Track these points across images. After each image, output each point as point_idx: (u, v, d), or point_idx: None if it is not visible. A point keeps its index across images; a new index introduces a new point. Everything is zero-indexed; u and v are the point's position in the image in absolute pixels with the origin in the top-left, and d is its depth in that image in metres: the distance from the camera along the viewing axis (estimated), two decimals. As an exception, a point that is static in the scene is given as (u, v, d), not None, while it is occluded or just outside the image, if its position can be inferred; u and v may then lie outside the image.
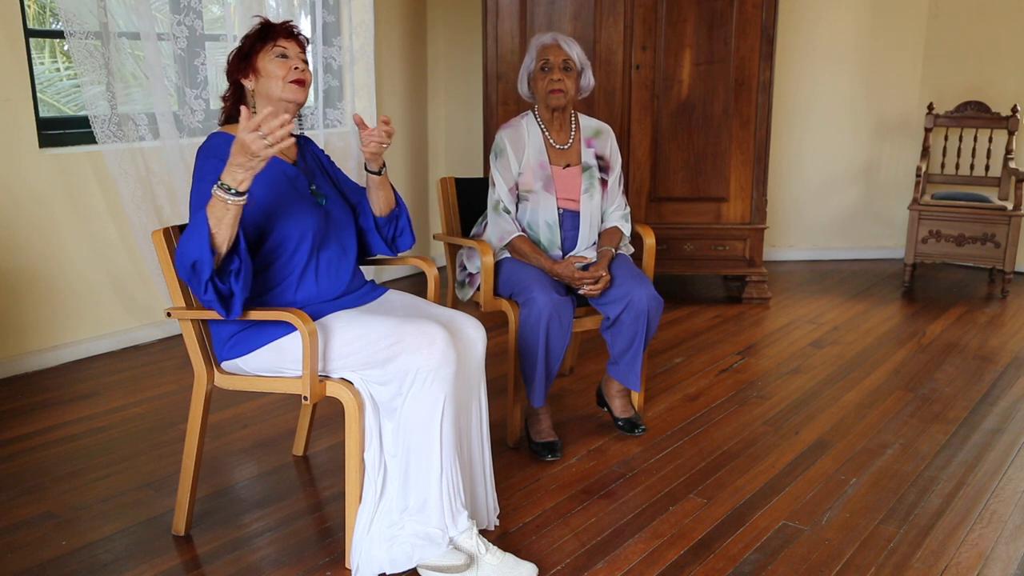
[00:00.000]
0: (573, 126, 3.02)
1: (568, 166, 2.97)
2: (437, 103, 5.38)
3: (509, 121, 3.02)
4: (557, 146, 2.97)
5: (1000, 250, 4.64)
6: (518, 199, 2.94)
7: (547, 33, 2.96)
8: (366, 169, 2.35)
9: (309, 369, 2.06)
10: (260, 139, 1.85)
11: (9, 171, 3.40)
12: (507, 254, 2.92)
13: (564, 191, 2.94)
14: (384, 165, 2.35)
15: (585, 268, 2.84)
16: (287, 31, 2.25)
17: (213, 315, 2.15)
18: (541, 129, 2.97)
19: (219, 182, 1.92)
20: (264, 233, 2.17)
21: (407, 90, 5.11)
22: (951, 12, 5.29)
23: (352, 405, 2.08)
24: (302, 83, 2.22)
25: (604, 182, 3.02)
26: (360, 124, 2.25)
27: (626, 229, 3.03)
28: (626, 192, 4.41)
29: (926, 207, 4.76)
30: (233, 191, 1.91)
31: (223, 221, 1.93)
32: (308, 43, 2.31)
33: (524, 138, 2.95)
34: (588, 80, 2.99)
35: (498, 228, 2.90)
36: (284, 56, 2.21)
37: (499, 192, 2.91)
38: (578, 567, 2.18)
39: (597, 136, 3.05)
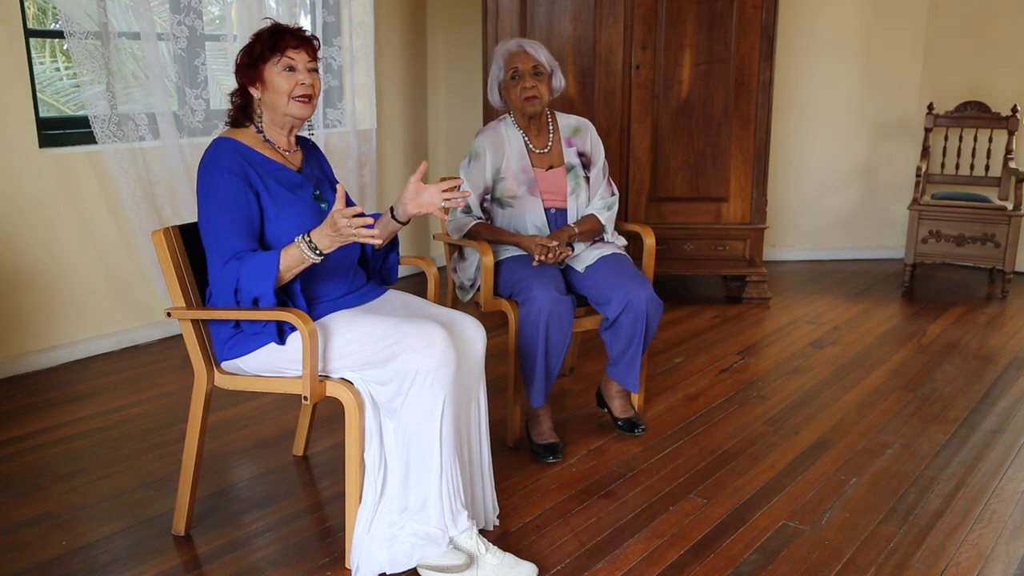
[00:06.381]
0: (551, 127, 3.02)
1: (551, 168, 2.97)
2: (437, 103, 5.38)
3: (488, 125, 3.01)
4: (537, 150, 2.97)
5: (1000, 250, 4.64)
6: (498, 204, 2.94)
7: (512, 40, 2.95)
8: (393, 216, 2.23)
9: (309, 369, 2.06)
10: (348, 226, 1.93)
11: (9, 171, 3.40)
12: (473, 248, 2.86)
13: (550, 192, 2.94)
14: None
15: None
16: (297, 38, 2.16)
17: (213, 315, 2.16)
18: (520, 134, 2.97)
19: (308, 239, 2.00)
20: (269, 240, 2.16)
21: (407, 90, 5.11)
22: (951, 12, 5.29)
23: (352, 405, 2.08)
24: (309, 98, 2.17)
25: (588, 179, 3.02)
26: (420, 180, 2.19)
27: (604, 218, 3.00)
28: (626, 192, 4.44)
29: (926, 207, 4.76)
30: (318, 252, 2.01)
31: (293, 270, 2.05)
32: (320, 46, 2.23)
33: (504, 142, 2.95)
34: (559, 81, 2.98)
35: (456, 221, 2.91)
36: (292, 69, 2.15)
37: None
38: (578, 567, 2.18)
39: (576, 133, 3.05)
